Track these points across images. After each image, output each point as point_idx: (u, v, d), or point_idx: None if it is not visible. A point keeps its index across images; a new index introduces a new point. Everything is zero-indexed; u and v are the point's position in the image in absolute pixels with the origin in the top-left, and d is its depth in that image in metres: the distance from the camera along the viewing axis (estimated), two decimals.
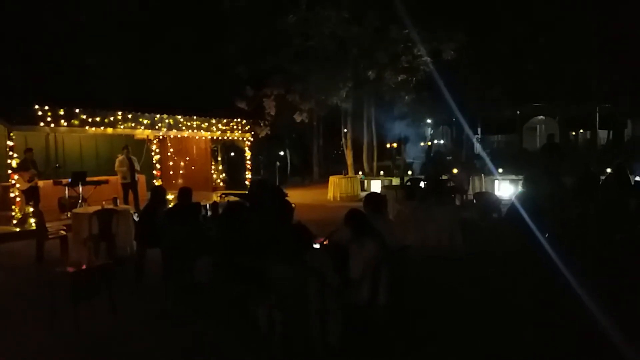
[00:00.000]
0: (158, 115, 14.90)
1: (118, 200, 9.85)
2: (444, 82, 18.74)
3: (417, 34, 18.11)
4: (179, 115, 15.66)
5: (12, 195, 11.63)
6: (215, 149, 19.97)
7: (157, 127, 14.92)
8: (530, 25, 21.83)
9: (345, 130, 23.53)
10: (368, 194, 6.18)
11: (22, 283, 7.52)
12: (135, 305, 6.26)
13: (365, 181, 20.57)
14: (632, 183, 10.11)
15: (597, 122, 27.15)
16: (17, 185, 11.62)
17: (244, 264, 5.15)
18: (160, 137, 16.82)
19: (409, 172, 20.68)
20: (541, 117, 30.12)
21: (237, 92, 21.51)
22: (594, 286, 5.96)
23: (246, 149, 18.88)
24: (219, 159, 20.31)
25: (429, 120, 28.03)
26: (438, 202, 10.06)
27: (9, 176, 11.63)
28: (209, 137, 17.68)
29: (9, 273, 8.15)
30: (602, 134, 29.26)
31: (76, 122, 12.62)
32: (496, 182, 16.56)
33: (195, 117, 16.22)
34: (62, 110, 12.27)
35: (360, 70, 19.96)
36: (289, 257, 4.50)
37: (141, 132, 14.82)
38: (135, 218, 9.04)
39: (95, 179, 13.71)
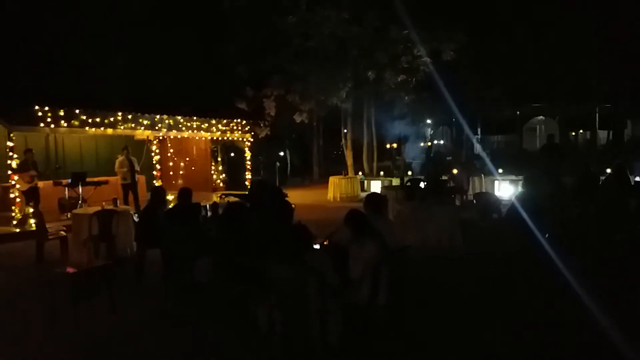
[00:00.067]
0: (158, 116, 14.90)
1: (118, 201, 9.84)
2: (444, 83, 18.74)
3: (417, 34, 18.12)
4: (179, 115, 15.67)
5: (12, 195, 11.63)
6: (215, 149, 19.98)
7: (157, 128, 14.92)
8: (530, 25, 21.83)
9: (345, 130, 23.53)
10: (368, 194, 6.18)
11: (22, 283, 7.52)
12: (135, 305, 6.26)
13: (365, 181, 20.57)
14: (632, 183, 10.12)
15: (597, 123, 27.16)
16: (17, 186, 11.62)
17: (244, 264, 5.15)
18: (160, 138, 16.84)
19: (409, 173, 20.69)
20: (541, 117, 30.11)
21: (237, 92, 21.51)
22: (594, 286, 5.95)
23: (246, 149, 18.88)
24: (219, 159, 20.31)
25: (428, 121, 28.03)
26: (438, 202, 10.06)
27: (9, 177, 11.63)
28: (209, 137, 17.68)
29: (9, 273, 8.15)
30: (602, 134, 29.25)
31: (76, 123, 12.63)
32: (496, 182, 16.55)
33: (195, 118, 16.22)
34: (62, 110, 12.28)
35: (360, 70, 19.96)
36: (289, 257, 4.50)
37: (141, 133, 14.82)
38: (135, 219, 9.04)
39: (95, 179, 13.71)
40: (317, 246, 5.30)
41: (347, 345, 4.38)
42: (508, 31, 21.61)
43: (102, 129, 13.28)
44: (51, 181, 13.12)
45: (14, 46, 17.47)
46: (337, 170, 21.44)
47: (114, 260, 7.23)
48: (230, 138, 18.38)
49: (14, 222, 11.32)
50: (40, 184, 12.22)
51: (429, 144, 30.57)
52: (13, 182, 11.57)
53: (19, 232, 10.75)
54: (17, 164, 11.61)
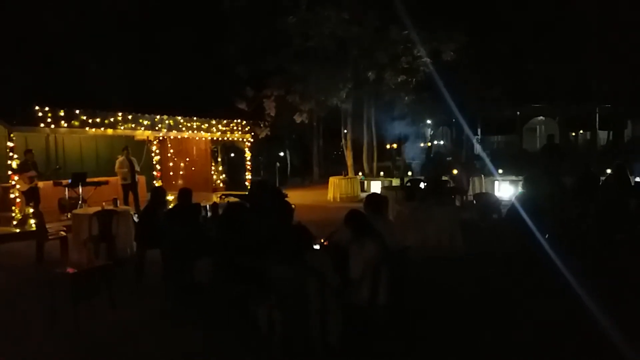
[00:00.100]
0: (158, 116, 14.91)
1: (118, 201, 9.85)
2: (444, 83, 18.75)
3: (417, 34, 18.13)
4: (179, 116, 15.67)
5: (12, 196, 11.63)
6: (215, 149, 19.97)
7: (157, 128, 14.93)
8: (530, 25, 21.83)
9: (345, 130, 23.55)
10: (369, 195, 6.18)
11: (22, 283, 7.52)
12: (135, 305, 6.26)
13: (365, 182, 20.57)
14: (632, 184, 10.11)
15: (597, 123, 27.14)
16: (17, 186, 11.62)
17: (244, 264, 5.15)
18: (161, 138, 16.84)
19: (409, 173, 20.69)
20: (541, 117, 30.10)
21: (237, 92, 21.53)
22: (594, 286, 5.95)
23: (246, 149, 18.88)
24: (219, 159, 20.30)
25: (428, 121, 28.03)
26: (438, 202, 10.06)
27: (9, 177, 11.63)
28: (209, 138, 17.69)
29: (9, 274, 8.15)
30: (602, 135, 29.24)
31: (76, 123, 12.63)
32: (496, 182, 16.55)
33: (195, 118, 16.22)
34: (62, 111, 12.28)
35: (360, 70, 19.98)
36: (289, 257, 4.50)
37: (141, 133, 14.82)
38: (135, 219, 9.04)
39: (95, 179, 13.72)
40: (317, 246, 5.30)
41: (347, 345, 4.38)
42: (508, 31, 21.61)
43: (102, 129, 13.29)
44: (51, 181, 13.12)
45: (14, 46, 17.48)
46: (337, 170, 21.45)
47: (114, 261, 7.23)
48: (230, 138, 18.38)
49: (14, 223, 11.29)
50: (41, 184, 12.22)
51: (429, 144, 30.56)
52: (13, 183, 11.58)
53: (19, 232, 10.69)
54: (17, 165, 11.61)
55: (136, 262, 7.48)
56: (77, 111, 12.65)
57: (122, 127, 13.78)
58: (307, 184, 25.82)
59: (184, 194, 6.96)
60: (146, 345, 5.11)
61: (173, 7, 21.46)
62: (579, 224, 9.01)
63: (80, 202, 12.46)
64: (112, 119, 13.48)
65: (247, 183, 18.03)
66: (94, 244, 8.05)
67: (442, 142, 35.51)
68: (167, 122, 15.19)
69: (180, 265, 6.01)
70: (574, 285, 6.14)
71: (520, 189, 11.89)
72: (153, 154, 16.64)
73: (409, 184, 14.03)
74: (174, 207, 7.29)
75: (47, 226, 9.04)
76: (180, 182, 18.05)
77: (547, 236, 7.62)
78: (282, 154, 29.51)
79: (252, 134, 19.16)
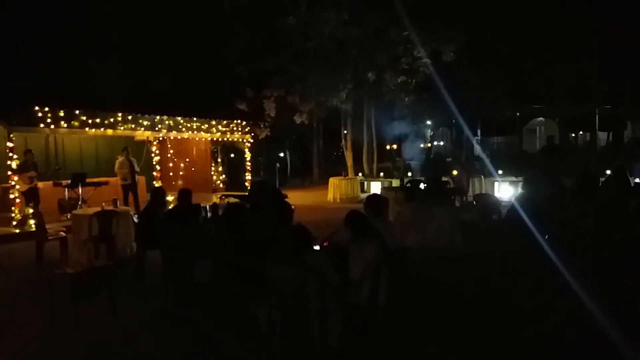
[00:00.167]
0: (158, 117, 14.90)
1: (118, 202, 9.84)
2: (444, 84, 18.78)
3: (417, 35, 18.15)
4: (179, 116, 15.66)
5: (12, 196, 11.62)
6: (215, 150, 19.97)
7: (157, 129, 14.92)
8: (530, 25, 21.84)
9: (345, 131, 23.57)
10: (369, 196, 6.18)
11: (22, 284, 7.51)
12: (135, 305, 6.26)
13: (365, 182, 20.57)
14: (632, 185, 10.11)
15: (597, 124, 27.17)
16: (17, 187, 11.61)
17: (244, 264, 5.15)
18: (160, 139, 16.85)
19: (409, 174, 20.71)
20: (541, 118, 30.15)
21: (237, 93, 21.54)
22: (594, 286, 5.95)
23: (246, 150, 18.86)
24: (219, 160, 20.31)
25: (428, 122, 28.07)
26: (438, 203, 10.06)
27: (8, 177, 11.62)
28: (209, 138, 17.68)
29: (9, 274, 8.14)
30: (602, 136, 29.29)
31: (76, 124, 12.63)
32: (496, 183, 16.56)
33: (195, 119, 16.22)
34: (62, 111, 12.27)
35: (360, 71, 20.00)
36: (289, 257, 4.50)
37: (141, 134, 14.82)
38: (135, 219, 9.04)
39: (95, 180, 13.70)
40: (317, 247, 5.31)
41: (347, 346, 4.38)
42: (508, 31, 21.63)
43: (102, 129, 13.28)
44: (51, 182, 13.11)
45: (14, 46, 17.48)
46: (337, 171, 21.47)
47: (113, 261, 7.23)
48: (230, 139, 18.37)
49: (14, 223, 11.31)
50: (40, 184, 12.22)
51: (429, 145, 30.60)
52: (13, 183, 11.56)
53: (19, 232, 10.74)
54: (17, 165, 11.60)
55: (136, 262, 7.48)
56: (77, 111, 12.64)
57: (122, 128, 13.78)
58: (307, 185, 25.82)
59: (184, 195, 6.96)
60: (146, 345, 5.11)
61: (173, 7, 21.46)
62: (578, 224, 9.00)
63: (80, 202, 12.45)
64: (112, 120, 13.47)
65: (247, 184, 18.01)
66: (94, 244, 8.05)
67: (442, 143, 35.58)
68: (167, 122, 15.18)
69: (180, 266, 6.02)
70: (574, 285, 6.14)
71: (520, 190, 11.90)
72: (153, 155, 16.64)
73: (408, 185, 14.04)
74: (174, 207, 7.30)
75: (47, 226, 9.04)
76: (180, 182, 18.04)
77: (546, 237, 7.63)
78: (282, 154, 29.52)
79: (252, 134, 19.15)
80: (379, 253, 4.59)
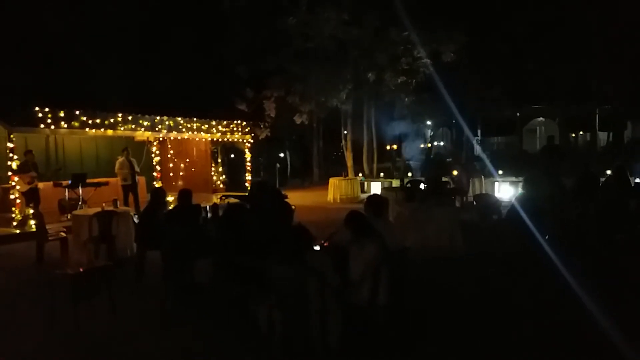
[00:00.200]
0: (158, 117, 14.90)
1: (118, 202, 9.85)
2: (444, 84, 18.79)
3: (417, 35, 18.15)
4: (179, 117, 15.66)
5: (12, 197, 11.63)
6: (215, 150, 19.97)
7: (157, 129, 14.92)
8: (530, 25, 21.84)
9: (345, 131, 23.57)
10: (370, 196, 6.18)
11: (22, 284, 7.51)
12: (135, 305, 6.27)
13: (365, 183, 20.58)
14: (632, 185, 10.11)
15: (597, 124, 27.16)
16: (17, 187, 11.61)
17: (244, 264, 5.15)
18: (160, 139, 16.85)
19: (409, 174, 20.71)
20: (541, 118, 30.16)
21: (237, 93, 21.55)
22: (594, 286, 5.95)
23: (246, 150, 18.86)
24: (219, 160, 20.31)
25: (428, 122, 28.09)
26: (438, 203, 10.06)
27: (9, 178, 11.63)
28: (209, 138, 17.68)
29: (10, 274, 8.14)
30: (602, 136, 29.29)
31: (76, 124, 12.63)
32: (496, 183, 16.57)
33: (195, 119, 16.22)
34: (62, 112, 12.27)
35: (360, 71, 20.00)
36: (289, 257, 4.50)
37: (141, 134, 14.83)
38: (136, 220, 9.04)
39: (96, 180, 13.69)
40: (317, 247, 5.31)
41: (347, 346, 4.38)
42: (508, 31, 21.63)
43: (102, 130, 13.29)
44: (51, 182, 13.11)
45: (14, 46, 17.48)
46: (337, 171, 21.46)
47: (114, 262, 7.23)
48: (230, 139, 18.37)
49: (14, 224, 11.30)
50: (41, 185, 12.22)
51: (429, 145, 30.61)
52: (13, 184, 11.57)
53: (19, 233, 10.72)
54: (17, 165, 11.60)
55: (136, 262, 7.49)
56: (77, 112, 12.65)
57: (122, 128, 13.78)
58: (307, 185, 25.82)
59: (184, 195, 6.96)
60: (146, 345, 5.11)
61: (173, 7, 21.46)
62: (579, 224, 9.01)
63: (80, 203, 12.45)
64: (112, 120, 13.48)
65: (247, 184, 18.02)
66: (94, 244, 8.06)
67: (442, 143, 35.59)
68: (167, 123, 15.18)
69: (180, 266, 6.00)
70: (574, 285, 6.14)
71: (520, 190, 11.90)
72: (153, 155, 16.64)
73: (409, 185, 14.03)
74: (174, 208, 7.30)
75: (47, 227, 9.04)
76: (180, 183, 18.04)
77: (547, 237, 7.63)
78: (282, 155, 29.53)
79: (252, 134, 19.15)
80: (379, 253, 4.59)
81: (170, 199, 10.81)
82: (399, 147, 26.21)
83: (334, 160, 30.84)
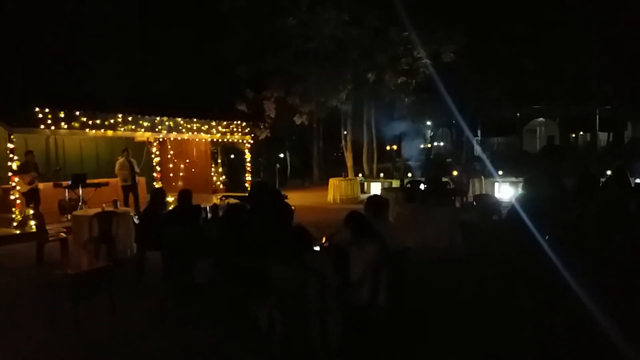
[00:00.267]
0: (158, 118, 14.90)
1: (118, 203, 9.85)
2: (444, 84, 18.78)
3: (417, 35, 18.14)
4: (179, 117, 15.67)
5: (12, 197, 11.63)
6: (215, 151, 19.96)
7: (157, 130, 14.92)
8: (530, 25, 21.83)
9: (345, 132, 23.56)
10: (370, 197, 6.18)
11: (22, 285, 7.51)
12: (135, 305, 6.27)
13: (365, 183, 20.56)
14: (632, 185, 10.11)
15: (597, 124, 27.15)
16: (18, 188, 11.61)
17: (244, 264, 5.15)
18: (160, 140, 16.86)
19: (409, 174, 20.71)
20: (541, 119, 30.16)
21: (237, 94, 21.54)
22: (594, 286, 5.95)
23: (246, 151, 18.86)
24: (219, 161, 20.30)
25: (428, 122, 28.09)
26: (438, 204, 10.07)
27: (9, 178, 11.63)
28: (209, 139, 17.68)
29: (10, 275, 8.15)
30: (602, 136, 29.29)
31: (76, 125, 12.64)
32: (496, 184, 16.56)
33: (195, 120, 16.22)
34: (62, 112, 12.28)
35: (360, 72, 19.99)
36: (289, 258, 4.50)
37: (141, 135, 14.83)
38: (136, 220, 9.05)
39: (96, 181, 13.68)
40: (317, 248, 5.31)
41: (347, 346, 4.38)
42: (508, 31, 21.62)
43: (102, 130, 13.29)
44: (51, 183, 13.11)
45: (14, 47, 17.48)
46: (337, 172, 21.45)
47: (114, 262, 7.23)
48: (230, 140, 18.37)
49: (14, 224, 11.31)
50: (41, 185, 12.21)
51: (429, 145, 30.61)
52: (13, 184, 11.57)
53: (20, 233, 10.74)
54: (17, 166, 11.61)
55: (136, 263, 7.49)
56: (77, 112, 12.65)
57: (122, 129, 13.78)
58: (307, 186, 25.82)
59: (184, 195, 6.96)
60: (146, 345, 5.11)
61: (173, 7, 21.46)
62: (579, 225, 9.01)
63: (80, 203, 12.46)
64: (112, 121, 13.48)
65: (247, 184, 18.02)
66: (94, 245, 8.06)
67: (442, 144, 35.59)
68: (167, 123, 15.18)
69: (180, 266, 6.01)
70: (574, 286, 6.14)
71: (520, 191, 11.90)
72: (153, 156, 16.65)
73: (409, 186, 14.04)
74: (174, 208, 7.30)
75: (47, 227, 9.04)
76: (180, 183, 18.03)
77: (547, 237, 7.63)
78: (282, 155, 29.51)
79: (252, 135, 19.15)
80: (379, 254, 4.59)
81: (170, 199, 10.81)
82: (399, 148, 26.20)
83: (334, 161, 30.84)
